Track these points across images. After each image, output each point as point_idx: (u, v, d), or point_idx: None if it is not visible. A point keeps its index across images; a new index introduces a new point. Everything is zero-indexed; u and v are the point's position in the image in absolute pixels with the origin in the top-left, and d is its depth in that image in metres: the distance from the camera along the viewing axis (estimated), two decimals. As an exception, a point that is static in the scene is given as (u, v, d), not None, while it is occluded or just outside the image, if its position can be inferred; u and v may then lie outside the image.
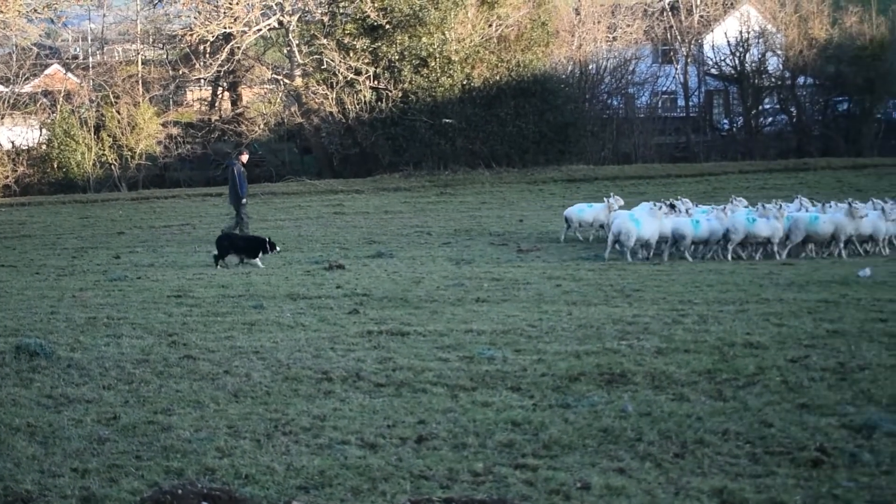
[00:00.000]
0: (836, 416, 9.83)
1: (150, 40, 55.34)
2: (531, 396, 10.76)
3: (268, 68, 52.13)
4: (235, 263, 23.77)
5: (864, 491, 8.08)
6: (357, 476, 8.50)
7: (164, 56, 55.06)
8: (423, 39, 44.60)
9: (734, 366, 11.69)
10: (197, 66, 50.60)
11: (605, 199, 27.76)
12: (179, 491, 7.74)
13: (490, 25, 46.40)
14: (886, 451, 8.86)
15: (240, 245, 24.35)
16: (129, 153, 48.13)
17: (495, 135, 45.98)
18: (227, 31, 48.25)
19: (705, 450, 8.99)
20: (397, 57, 45.35)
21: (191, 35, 49.40)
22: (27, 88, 51.79)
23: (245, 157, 30.37)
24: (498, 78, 46.14)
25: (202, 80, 53.48)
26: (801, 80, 55.30)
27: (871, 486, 8.16)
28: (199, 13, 49.22)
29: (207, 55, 50.29)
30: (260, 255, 23.74)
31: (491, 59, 46.10)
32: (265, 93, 53.64)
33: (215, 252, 24.15)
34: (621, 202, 27.56)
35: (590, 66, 52.13)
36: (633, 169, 46.70)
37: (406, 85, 45.32)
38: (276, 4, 48.02)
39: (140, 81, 51.22)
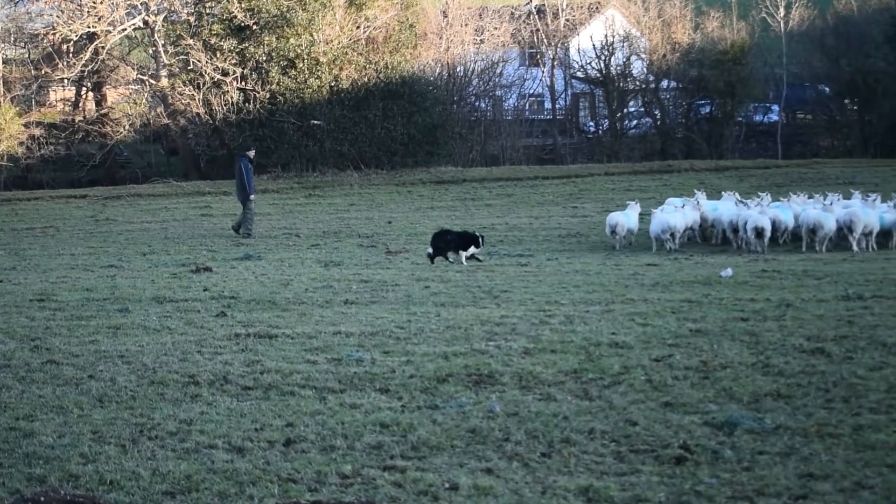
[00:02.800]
0: (699, 413, 10.02)
1: (12, 39, 54.14)
2: (399, 398, 10.79)
3: (133, 68, 51.36)
4: (451, 260, 23.46)
5: (726, 487, 8.25)
6: (224, 480, 8.44)
7: (26, 55, 53.93)
8: (291, 40, 44.35)
9: (600, 365, 11.85)
10: (60, 65, 49.65)
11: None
12: (42, 498, 7.61)
13: (358, 27, 46.33)
14: (747, 448, 9.06)
15: (451, 240, 23.81)
16: (-10, 154, 47.08)
17: (364, 137, 45.91)
18: (91, 30, 47.45)
19: (571, 449, 9.10)
20: (265, 58, 45.04)
21: (53, 34, 48.54)
22: None
23: (252, 153, 31.13)
24: (366, 80, 46.07)
25: (66, 80, 52.47)
26: (664, 83, 56.18)
27: (732, 483, 8.34)
28: (62, 12, 48.30)
29: (71, 55, 49.34)
30: (472, 249, 23.49)
31: (359, 60, 46.02)
32: (130, 93, 52.87)
33: (430, 250, 23.65)
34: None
35: (457, 69, 52.31)
36: (501, 171, 46.98)
37: (274, 86, 45.01)
38: (141, 4, 47.39)
39: (1, 81, 50.13)
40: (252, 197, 29.93)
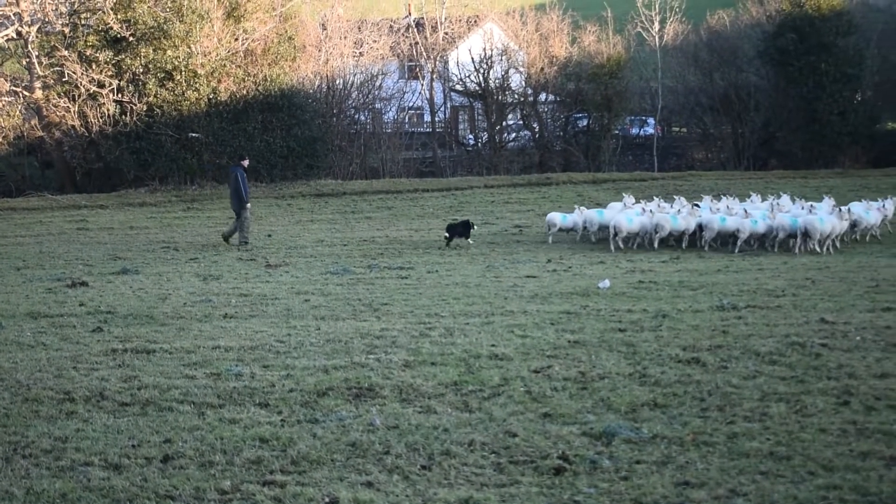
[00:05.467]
0: (578, 424, 10.13)
1: None
2: (279, 412, 10.74)
3: (6, 80, 50.29)
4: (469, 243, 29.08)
5: (604, 496, 8.35)
6: (101, 498, 8.32)
7: None
8: (168, 52, 43.85)
9: (480, 377, 11.91)
10: (-70, 76, 48.56)
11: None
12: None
13: (236, 39, 45.97)
14: (625, 458, 9.18)
15: (457, 227, 30.25)
16: None
17: (243, 149, 45.44)
18: (-38, 41, 46.53)
19: (452, 461, 9.13)
20: (142, 70, 44.45)
21: (-77, 44, 47.47)
22: None
23: (246, 162, 31.71)
24: (245, 92, 45.72)
25: (-65, 92, 51.31)
26: (542, 96, 56.65)
27: (610, 492, 8.44)
28: (-69, 22, 47.27)
29: (-60, 65, 48.34)
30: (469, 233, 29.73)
31: (238, 73, 45.66)
32: (3, 105, 51.78)
33: (446, 234, 29.89)
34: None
35: (337, 81, 52.20)
36: (381, 184, 46.98)
37: (151, 98, 44.43)
38: (14, 15, 46.47)
39: None
40: (248, 206, 30.68)
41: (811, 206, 28.53)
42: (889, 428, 9.90)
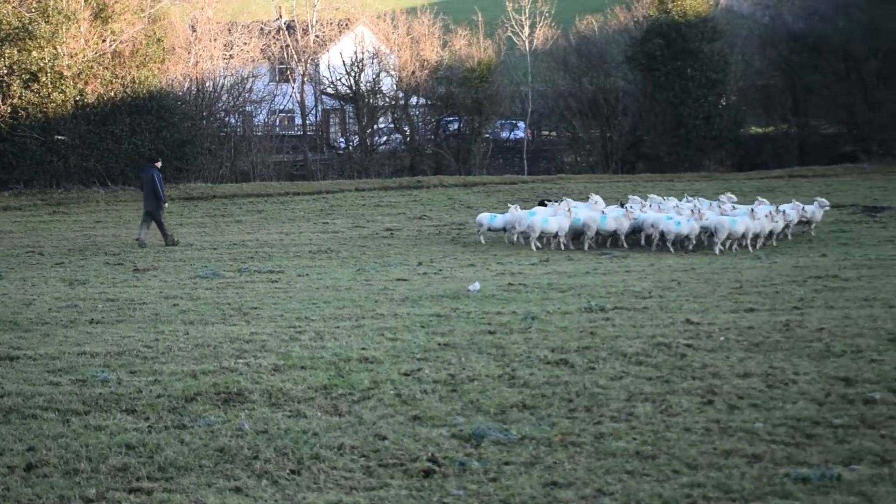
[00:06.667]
0: (447, 426, 10.18)
1: None
2: (146, 418, 10.61)
3: None
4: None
5: (473, 498, 8.40)
6: (-39, 509, 8.15)
7: None
8: (34, 53, 43.00)
9: (350, 381, 11.90)
10: None
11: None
12: None
13: (104, 41, 45.23)
14: (494, 459, 9.24)
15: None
16: None
17: (110, 152, 44.81)
18: None
19: (321, 465, 9.12)
20: (6, 71, 43.52)
21: None
22: None
23: (160, 163, 32.07)
24: (113, 94, 44.99)
25: None
26: (413, 100, 56.74)
27: (479, 494, 8.49)
28: None
29: None
30: None
31: (105, 75, 44.92)
32: None
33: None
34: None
35: (207, 84, 51.65)
36: (252, 187, 46.62)
37: (15, 100, 43.52)
38: None
39: None
40: (165, 205, 31.47)
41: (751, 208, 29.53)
42: (751, 426, 10.11)
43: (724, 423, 10.26)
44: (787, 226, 30.29)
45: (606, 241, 29.97)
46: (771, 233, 29.52)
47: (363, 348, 13.76)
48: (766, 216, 28.88)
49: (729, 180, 49.21)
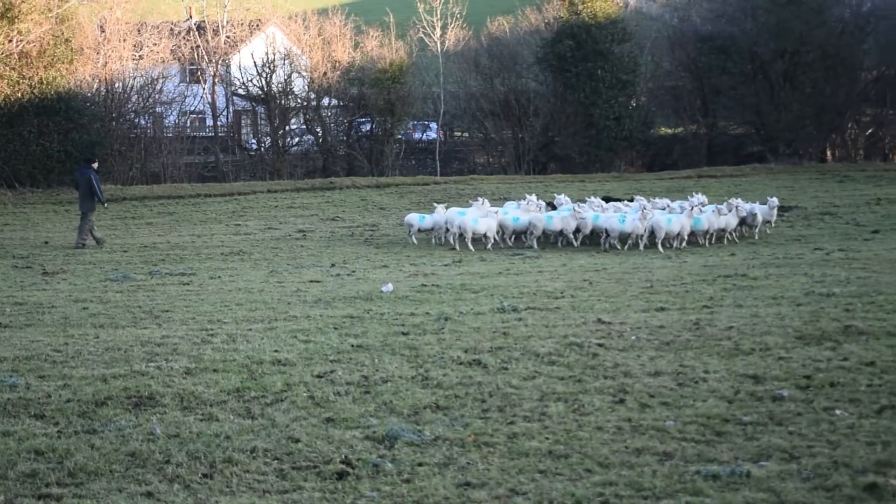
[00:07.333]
0: (361, 428, 10.17)
1: None
2: (56, 423, 10.49)
3: None
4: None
5: (387, 500, 8.42)
6: None
7: None
8: (-62, 54, 42.43)
9: (262, 383, 11.86)
10: None
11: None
12: None
13: (10, 41, 44.56)
14: (407, 460, 9.25)
15: None
16: None
17: (18, 154, 44.20)
18: None
19: (234, 468, 9.07)
20: None
21: None
22: None
23: (96, 165, 32.38)
24: (20, 95, 44.36)
25: None
26: (326, 101, 56.56)
27: (392, 495, 8.50)
28: None
29: None
30: None
31: (12, 75, 44.27)
32: None
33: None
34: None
35: (116, 85, 51.08)
36: (163, 189, 46.22)
37: (-81, 101, 42.92)
38: None
39: None
40: (105, 206, 32.37)
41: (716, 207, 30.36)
42: (662, 424, 10.22)
43: (635, 421, 10.36)
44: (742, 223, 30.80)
45: (558, 241, 30.23)
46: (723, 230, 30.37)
47: (276, 351, 13.71)
48: (713, 213, 29.84)
49: (640, 180, 49.70)
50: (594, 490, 8.56)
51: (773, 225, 32.24)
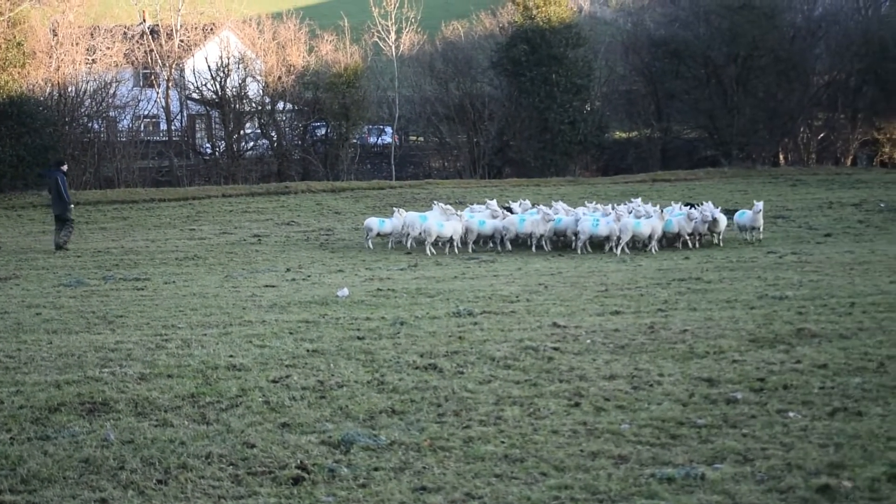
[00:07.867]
0: (316, 433, 10.15)
1: None
2: (8, 430, 10.40)
3: None
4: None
5: (342, 504, 8.40)
6: None
7: None
8: None
9: (217, 388, 11.81)
10: None
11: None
12: None
13: (-39, 45, 44.32)
14: (363, 465, 9.25)
15: None
16: None
17: (-31, 159, 43.96)
18: None
19: (189, 474, 9.03)
20: None
21: None
22: None
23: (65, 167, 32.85)
24: (-29, 100, 44.09)
25: None
26: (280, 105, 56.43)
27: (348, 500, 8.49)
28: None
29: None
30: None
31: (-37, 79, 44.02)
32: None
33: None
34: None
35: (69, 89, 50.72)
36: (116, 193, 45.95)
37: None
38: None
39: None
40: (71, 207, 31.97)
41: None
42: (617, 428, 10.26)
43: (590, 424, 10.39)
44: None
45: (529, 243, 30.36)
46: (691, 233, 30.63)
47: (231, 356, 13.66)
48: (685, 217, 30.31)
49: (594, 184, 49.88)
50: (550, 494, 8.59)
51: (762, 231, 31.96)
